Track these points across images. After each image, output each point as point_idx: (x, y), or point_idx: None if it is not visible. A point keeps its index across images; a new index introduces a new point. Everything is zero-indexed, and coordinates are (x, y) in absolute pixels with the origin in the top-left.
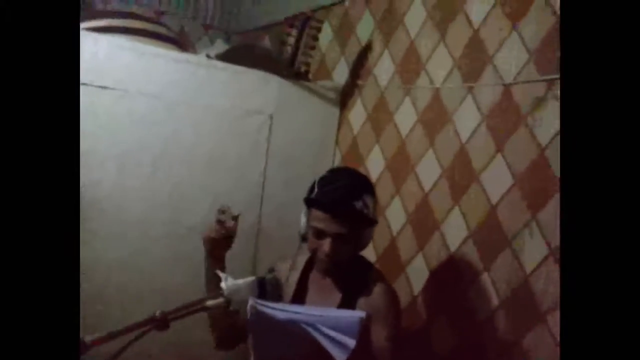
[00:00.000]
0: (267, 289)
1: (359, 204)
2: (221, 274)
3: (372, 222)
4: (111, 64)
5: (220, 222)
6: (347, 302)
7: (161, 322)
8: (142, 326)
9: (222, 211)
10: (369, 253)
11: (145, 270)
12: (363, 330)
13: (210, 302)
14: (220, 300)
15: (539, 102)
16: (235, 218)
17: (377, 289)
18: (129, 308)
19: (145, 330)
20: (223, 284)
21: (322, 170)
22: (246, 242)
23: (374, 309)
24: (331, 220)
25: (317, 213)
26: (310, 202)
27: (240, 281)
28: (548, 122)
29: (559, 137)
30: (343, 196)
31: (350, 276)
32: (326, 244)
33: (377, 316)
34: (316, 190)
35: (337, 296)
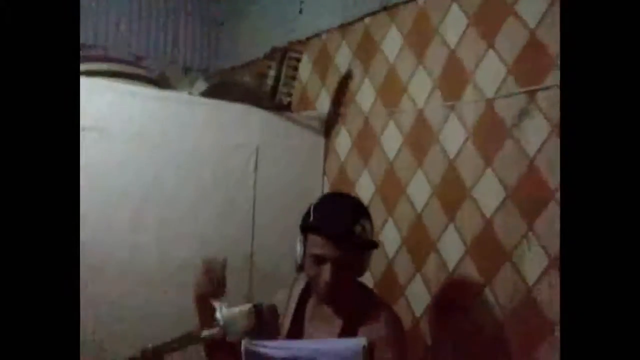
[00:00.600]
0: (265, 316)
1: (357, 228)
2: (215, 303)
3: (372, 245)
4: (91, 105)
5: (208, 273)
6: (349, 331)
7: (153, 357)
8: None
9: (208, 262)
10: (367, 279)
11: (131, 318)
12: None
13: (205, 333)
14: (216, 330)
15: (523, 113)
16: (223, 265)
17: (381, 316)
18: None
19: None
20: (218, 314)
21: (311, 200)
22: (240, 277)
23: (378, 337)
24: (331, 245)
25: (315, 239)
26: (308, 229)
27: (236, 309)
28: (534, 132)
29: (546, 145)
30: (342, 220)
31: (351, 303)
32: (326, 271)
33: (381, 345)
34: (312, 215)
35: (338, 324)
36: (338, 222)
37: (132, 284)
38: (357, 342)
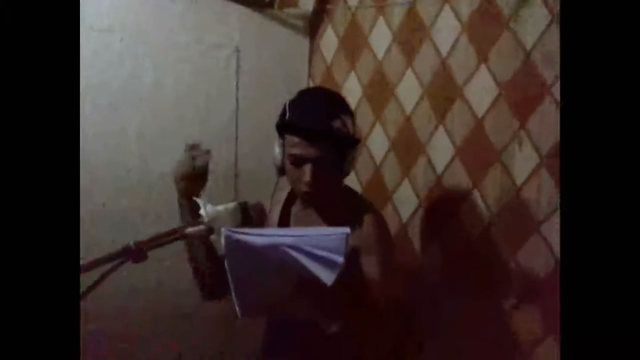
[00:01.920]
0: (251, 214)
1: (336, 123)
2: (199, 201)
3: (353, 141)
4: None
5: (191, 159)
6: None
7: (137, 253)
8: (116, 257)
9: (192, 147)
10: (354, 185)
11: (115, 224)
12: (354, 262)
13: (190, 230)
14: (201, 227)
15: (522, 2)
16: (206, 153)
17: (366, 218)
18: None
19: (119, 262)
20: (202, 211)
21: None
22: (225, 184)
23: (364, 238)
24: (308, 144)
25: (292, 139)
26: (284, 127)
27: (221, 207)
28: (533, 23)
29: (544, 37)
30: (319, 115)
31: (336, 206)
32: (307, 171)
33: (367, 246)
34: (288, 113)
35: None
36: (314, 117)
37: (112, 190)
38: (340, 230)
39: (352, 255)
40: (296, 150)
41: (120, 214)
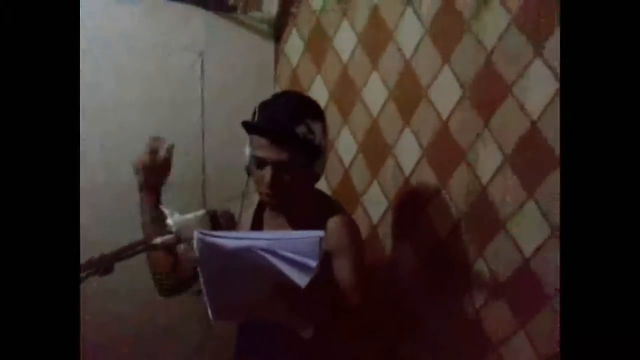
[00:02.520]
0: (220, 222)
1: (301, 129)
2: (166, 210)
3: (316, 149)
4: None
5: (154, 150)
6: None
7: (101, 265)
8: (80, 272)
9: (155, 139)
10: (323, 188)
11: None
12: (325, 265)
13: (157, 240)
14: (169, 237)
15: (482, 4)
16: (169, 149)
17: (335, 220)
18: None
19: (85, 276)
20: (169, 220)
21: None
22: (193, 186)
23: (334, 241)
24: (271, 146)
25: (257, 140)
26: (249, 128)
27: (190, 215)
28: (493, 25)
29: (504, 37)
30: (283, 119)
31: (305, 210)
32: (266, 174)
33: (338, 249)
34: (257, 115)
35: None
36: (278, 120)
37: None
38: (313, 234)
39: (324, 258)
40: (259, 152)
41: (86, 226)
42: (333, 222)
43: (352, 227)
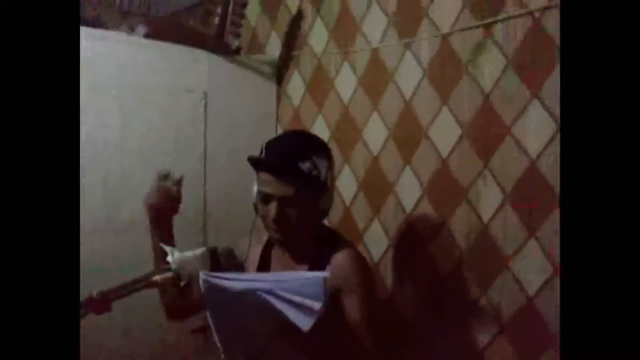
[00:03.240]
0: (221, 260)
1: (305, 165)
2: (166, 248)
3: (321, 185)
4: None
5: (162, 188)
6: (318, 269)
7: (100, 304)
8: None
9: (163, 176)
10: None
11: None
12: (334, 303)
13: (157, 277)
14: (169, 274)
15: (479, 47)
16: (178, 182)
17: (343, 255)
18: None
19: (81, 314)
20: (170, 258)
21: None
22: (194, 225)
23: (342, 279)
24: (276, 182)
25: (263, 176)
26: (254, 163)
27: (190, 253)
28: (489, 68)
29: (501, 80)
30: (288, 155)
31: (314, 247)
32: (271, 209)
33: (347, 286)
34: (263, 151)
35: (303, 269)
36: (283, 156)
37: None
38: (318, 274)
39: (333, 295)
40: (264, 188)
41: (86, 260)
42: (341, 258)
43: (361, 263)
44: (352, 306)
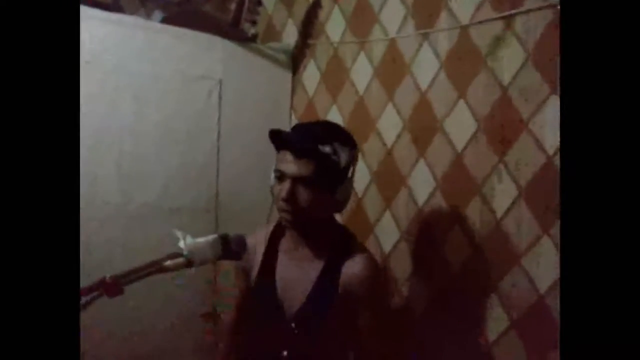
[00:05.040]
0: (232, 247)
1: (326, 148)
2: (178, 233)
3: (339, 172)
4: None
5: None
6: (331, 271)
7: (112, 287)
8: (90, 291)
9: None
10: (336, 217)
11: (95, 257)
12: (342, 307)
13: (168, 263)
14: (180, 260)
15: (498, 41)
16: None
17: (356, 262)
18: None
19: (94, 296)
20: (181, 244)
21: None
22: (205, 217)
23: (355, 286)
24: (294, 161)
25: (282, 155)
26: (275, 139)
27: (202, 239)
28: (508, 62)
29: (520, 73)
30: (310, 137)
31: (331, 243)
32: (285, 187)
33: (359, 295)
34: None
35: (319, 264)
36: (305, 137)
37: (91, 222)
38: None
39: (342, 297)
40: (281, 166)
41: (100, 246)
42: (354, 265)
43: (373, 273)
44: (363, 317)
